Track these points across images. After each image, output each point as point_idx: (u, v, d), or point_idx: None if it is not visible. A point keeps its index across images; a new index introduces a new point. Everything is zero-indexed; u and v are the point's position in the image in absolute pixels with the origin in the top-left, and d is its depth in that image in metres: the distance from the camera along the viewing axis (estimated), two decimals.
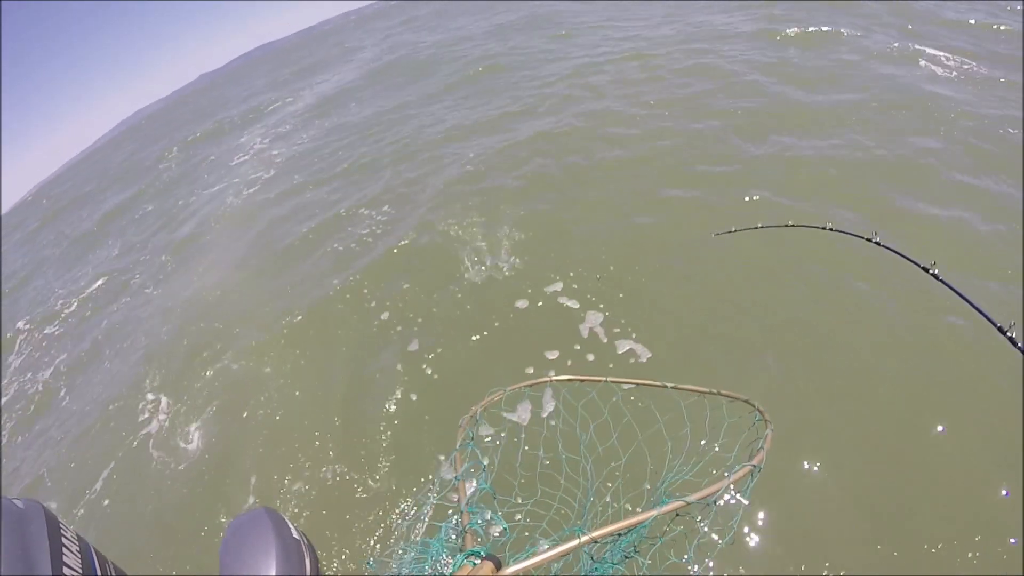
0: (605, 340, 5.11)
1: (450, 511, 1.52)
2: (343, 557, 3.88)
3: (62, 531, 1.54)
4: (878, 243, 2.33)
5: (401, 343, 6.05)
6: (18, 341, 12.19)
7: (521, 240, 7.05)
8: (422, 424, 4.91)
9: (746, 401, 1.87)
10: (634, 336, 5.09)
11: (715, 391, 1.92)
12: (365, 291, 7.31)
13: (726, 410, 1.89)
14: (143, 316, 9.99)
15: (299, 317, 7.25)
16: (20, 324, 12.88)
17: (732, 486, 1.40)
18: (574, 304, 5.72)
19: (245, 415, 6.10)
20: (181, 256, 12.00)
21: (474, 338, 5.72)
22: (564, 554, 1.21)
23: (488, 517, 1.46)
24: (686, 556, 1.42)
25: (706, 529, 1.41)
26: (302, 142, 16.50)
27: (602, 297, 5.72)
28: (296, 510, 4.63)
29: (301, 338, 6.90)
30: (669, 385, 1.89)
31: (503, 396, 1.84)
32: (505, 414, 1.86)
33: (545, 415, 1.99)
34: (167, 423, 6.76)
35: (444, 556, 1.42)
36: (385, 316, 6.61)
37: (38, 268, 18.42)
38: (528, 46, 16.81)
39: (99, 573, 1.69)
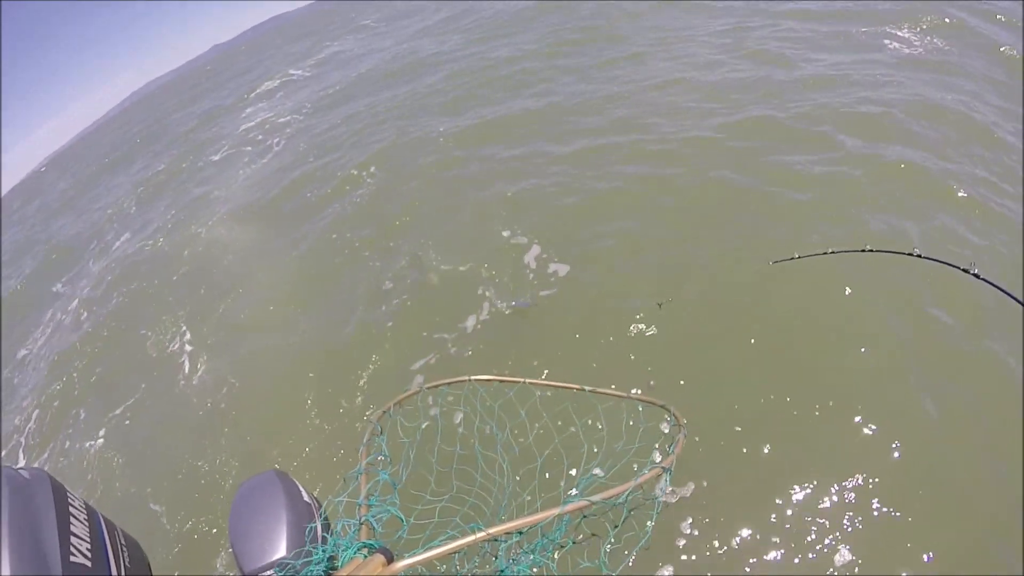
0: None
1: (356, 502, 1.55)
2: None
3: (69, 500, 1.59)
4: (976, 275, 1.87)
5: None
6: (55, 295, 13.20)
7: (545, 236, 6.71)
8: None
9: (662, 407, 1.89)
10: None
11: (632, 396, 1.95)
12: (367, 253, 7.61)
13: (643, 415, 1.94)
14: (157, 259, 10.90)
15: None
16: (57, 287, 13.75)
17: (643, 489, 1.39)
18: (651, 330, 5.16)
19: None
20: (195, 212, 12.64)
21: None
22: (457, 549, 1.21)
23: (387, 510, 1.47)
24: (597, 560, 1.41)
25: (615, 533, 1.39)
26: (309, 111, 16.72)
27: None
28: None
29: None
30: (587, 389, 1.91)
31: (419, 393, 1.86)
32: (420, 411, 1.89)
33: (463, 413, 1.98)
34: (181, 360, 7.43)
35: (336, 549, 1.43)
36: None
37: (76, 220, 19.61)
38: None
39: (107, 540, 1.75)
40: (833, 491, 3.54)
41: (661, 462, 1.50)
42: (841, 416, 3.92)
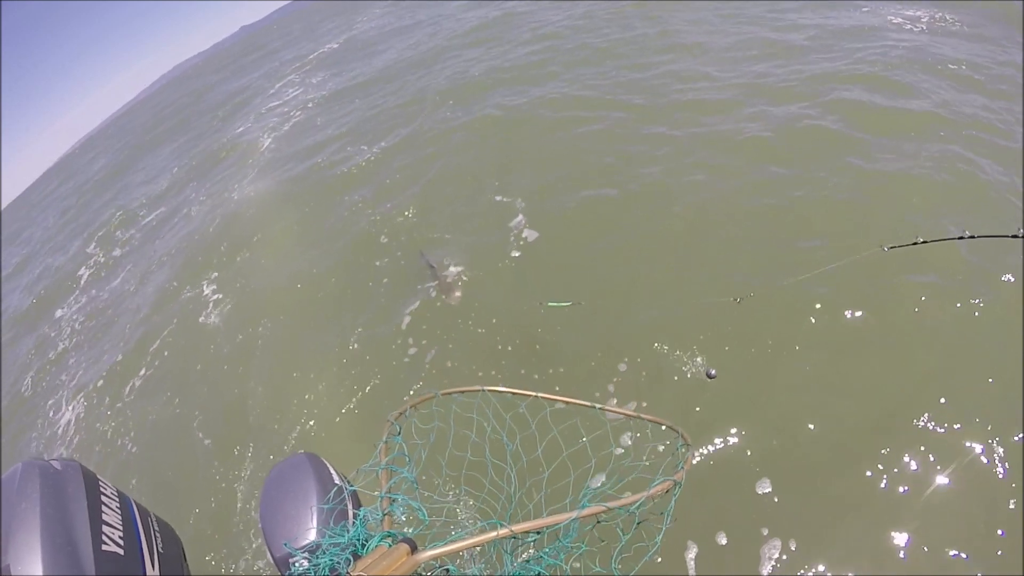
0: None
1: (375, 495, 1.63)
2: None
3: (101, 488, 1.57)
4: None
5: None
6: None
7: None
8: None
9: (669, 427, 1.95)
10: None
11: (640, 416, 1.99)
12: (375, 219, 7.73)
13: (651, 433, 2.00)
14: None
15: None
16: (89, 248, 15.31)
17: (653, 500, 1.45)
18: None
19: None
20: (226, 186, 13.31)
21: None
22: (481, 543, 1.25)
23: (410, 506, 1.54)
24: (608, 566, 1.45)
25: (627, 541, 1.43)
26: (337, 88, 16.93)
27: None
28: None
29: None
30: (597, 407, 1.95)
31: (434, 398, 1.93)
32: (434, 415, 1.98)
33: (475, 420, 2.04)
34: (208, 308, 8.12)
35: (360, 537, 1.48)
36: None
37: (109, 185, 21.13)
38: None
39: (140, 526, 1.74)
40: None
41: (672, 476, 1.54)
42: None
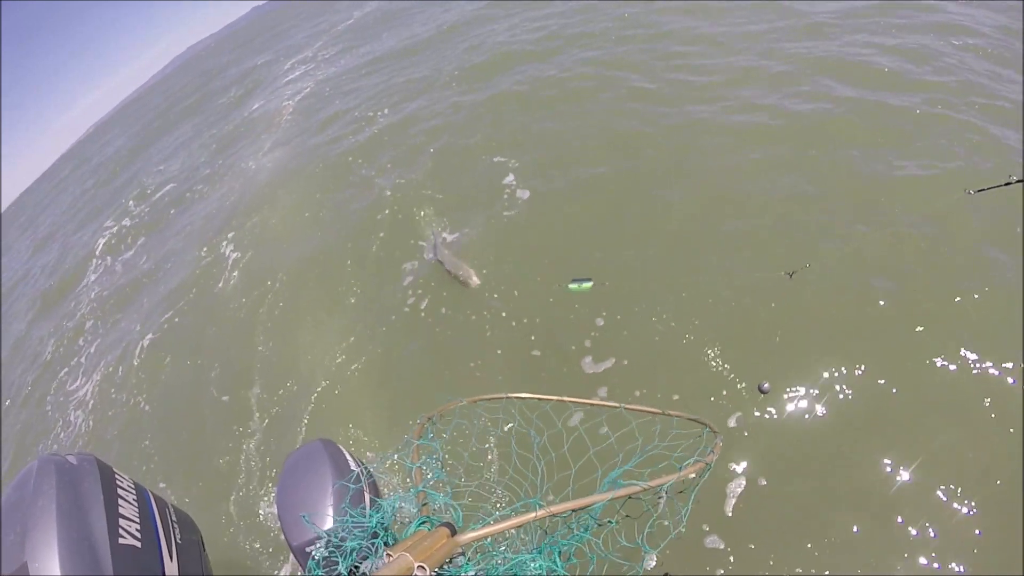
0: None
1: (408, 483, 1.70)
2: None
3: (117, 481, 1.57)
4: None
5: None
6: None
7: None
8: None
9: (696, 420, 1.96)
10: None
11: (666, 412, 2.03)
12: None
13: (677, 427, 2.01)
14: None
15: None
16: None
17: (683, 485, 1.51)
18: None
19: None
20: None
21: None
22: (520, 524, 1.30)
23: (443, 499, 1.59)
24: (638, 541, 1.49)
25: (655, 518, 1.51)
26: (350, 65, 16.86)
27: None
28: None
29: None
30: (622, 406, 1.99)
31: (460, 405, 2.01)
32: (460, 414, 2.04)
33: (502, 422, 2.05)
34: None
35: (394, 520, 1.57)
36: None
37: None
38: None
39: (157, 518, 1.74)
40: None
41: (703, 458, 1.59)
42: None
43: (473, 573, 1.29)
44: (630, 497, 1.44)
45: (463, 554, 1.29)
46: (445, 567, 1.23)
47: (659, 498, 1.47)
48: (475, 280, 5.60)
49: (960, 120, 5.71)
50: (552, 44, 11.06)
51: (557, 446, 2.04)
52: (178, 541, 1.77)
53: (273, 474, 4.65)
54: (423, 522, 1.38)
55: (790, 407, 3.74)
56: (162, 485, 5.37)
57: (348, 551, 1.42)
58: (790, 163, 5.77)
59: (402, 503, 1.60)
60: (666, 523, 1.50)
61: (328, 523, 1.89)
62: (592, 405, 2.03)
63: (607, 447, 2.08)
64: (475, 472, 2.12)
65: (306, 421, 5.02)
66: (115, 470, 1.47)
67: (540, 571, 1.33)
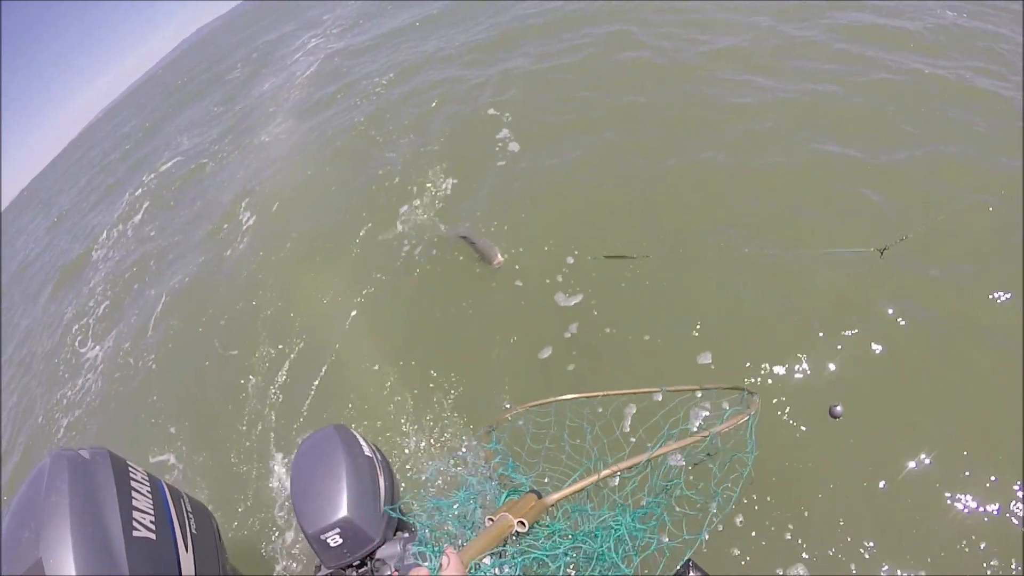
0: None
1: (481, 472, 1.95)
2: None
3: (130, 474, 1.56)
4: None
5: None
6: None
7: None
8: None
9: (734, 387, 2.08)
10: None
11: (704, 387, 2.20)
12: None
13: (722, 401, 2.19)
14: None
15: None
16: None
17: (733, 429, 1.59)
18: None
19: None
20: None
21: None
22: (596, 481, 1.49)
23: (521, 478, 1.80)
24: (711, 490, 1.62)
25: (723, 472, 1.63)
26: (363, 40, 16.57)
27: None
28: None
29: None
30: (663, 388, 2.18)
31: (513, 413, 2.28)
32: (520, 423, 2.35)
33: (553, 424, 2.21)
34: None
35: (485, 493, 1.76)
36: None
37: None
38: None
39: (172, 510, 1.74)
40: None
41: (748, 411, 1.67)
42: None
43: (564, 526, 1.50)
44: (697, 447, 1.56)
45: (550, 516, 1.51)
46: (537, 525, 1.45)
47: (721, 452, 1.61)
48: (500, 258, 5.47)
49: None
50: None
51: (607, 432, 2.17)
52: (193, 532, 1.78)
53: (286, 460, 4.65)
54: (511, 493, 1.62)
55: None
56: (172, 460, 5.41)
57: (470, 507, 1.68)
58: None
59: (486, 487, 1.80)
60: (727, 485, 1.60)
61: (340, 513, 2.01)
62: (635, 393, 2.19)
63: (654, 425, 2.19)
64: (535, 465, 2.30)
65: (318, 398, 5.01)
66: (128, 462, 1.46)
67: (620, 528, 1.48)
